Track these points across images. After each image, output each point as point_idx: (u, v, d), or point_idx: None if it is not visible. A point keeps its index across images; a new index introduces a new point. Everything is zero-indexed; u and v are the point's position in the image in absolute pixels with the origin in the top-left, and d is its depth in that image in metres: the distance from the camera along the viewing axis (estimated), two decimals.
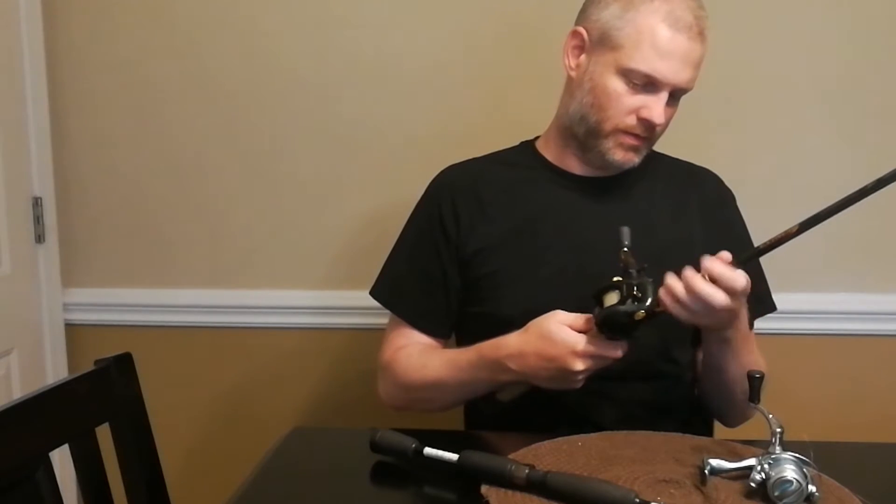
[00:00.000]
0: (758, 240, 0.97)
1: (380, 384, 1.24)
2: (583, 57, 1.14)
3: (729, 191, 1.27)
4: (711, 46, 1.11)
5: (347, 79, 1.62)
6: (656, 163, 1.23)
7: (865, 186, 0.86)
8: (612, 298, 0.95)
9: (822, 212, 0.89)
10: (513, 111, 1.56)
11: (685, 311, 0.93)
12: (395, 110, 1.62)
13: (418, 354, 1.18)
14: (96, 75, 1.66)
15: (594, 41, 1.11)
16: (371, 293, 1.26)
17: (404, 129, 1.63)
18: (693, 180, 1.25)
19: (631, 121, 1.10)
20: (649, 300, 0.93)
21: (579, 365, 0.96)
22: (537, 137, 1.27)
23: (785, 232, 0.92)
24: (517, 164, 1.24)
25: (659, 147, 1.21)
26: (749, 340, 1.11)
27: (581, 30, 1.13)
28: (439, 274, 1.20)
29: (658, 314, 0.94)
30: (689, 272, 0.93)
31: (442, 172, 1.27)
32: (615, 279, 0.96)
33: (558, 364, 0.98)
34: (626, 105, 1.09)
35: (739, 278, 0.92)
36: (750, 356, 1.11)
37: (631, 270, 0.96)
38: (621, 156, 1.13)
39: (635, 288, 0.94)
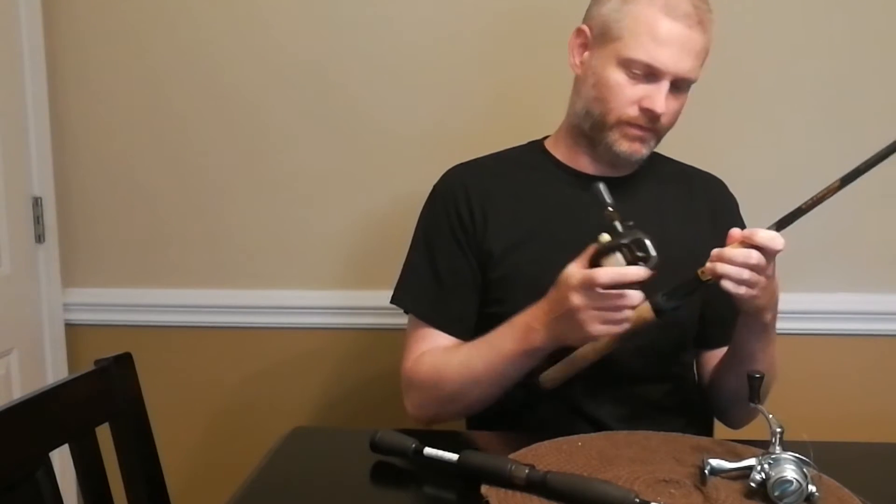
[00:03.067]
0: None
1: (407, 398, 1.17)
2: (586, 54, 1.14)
3: (733, 197, 1.28)
4: (711, 46, 1.11)
5: (351, 77, 1.62)
6: (664, 166, 1.23)
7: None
8: (613, 261, 0.94)
9: (861, 165, 0.92)
10: (521, 110, 1.56)
11: (746, 286, 0.94)
12: (400, 109, 1.62)
13: (441, 352, 1.15)
14: (96, 75, 1.66)
15: (595, 36, 1.12)
16: (396, 302, 1.21)
17: (410, 128, 1.62)
18: (701, 185, 1.26)
19: (633, 112, 1.10)
20: (653, 254, 0.93)
21: (576, 299, 0.95)
22: (545, 137, 1.27)
23: (826, 188, 0.93)
24: (528, 164, 1.23)
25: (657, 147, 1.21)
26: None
27: (584, 27, 1.14)
28: (467, 273, 1.17)
29: (708, 283, 0.95)
30: (731, 251, 0.93)
31: (450, 171, 1.24)
32: (603, 238, 0.95)
33: (559, 297, 0.97)
34: (628, 96, 1.09)
35: (778, 238, 0.93)
36: (774, 346, 1.12)
37: (616, 224, 0.95)
38: (627, 146, 1.12)
39: (634, 246, 0.93)
